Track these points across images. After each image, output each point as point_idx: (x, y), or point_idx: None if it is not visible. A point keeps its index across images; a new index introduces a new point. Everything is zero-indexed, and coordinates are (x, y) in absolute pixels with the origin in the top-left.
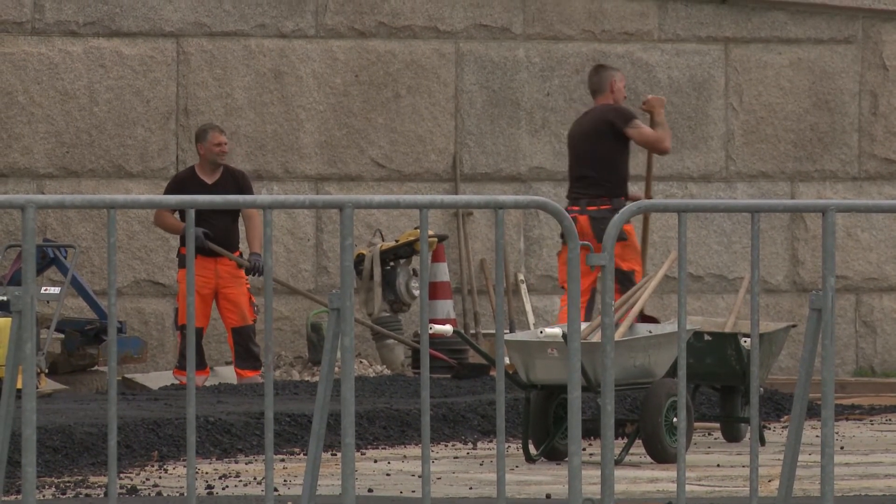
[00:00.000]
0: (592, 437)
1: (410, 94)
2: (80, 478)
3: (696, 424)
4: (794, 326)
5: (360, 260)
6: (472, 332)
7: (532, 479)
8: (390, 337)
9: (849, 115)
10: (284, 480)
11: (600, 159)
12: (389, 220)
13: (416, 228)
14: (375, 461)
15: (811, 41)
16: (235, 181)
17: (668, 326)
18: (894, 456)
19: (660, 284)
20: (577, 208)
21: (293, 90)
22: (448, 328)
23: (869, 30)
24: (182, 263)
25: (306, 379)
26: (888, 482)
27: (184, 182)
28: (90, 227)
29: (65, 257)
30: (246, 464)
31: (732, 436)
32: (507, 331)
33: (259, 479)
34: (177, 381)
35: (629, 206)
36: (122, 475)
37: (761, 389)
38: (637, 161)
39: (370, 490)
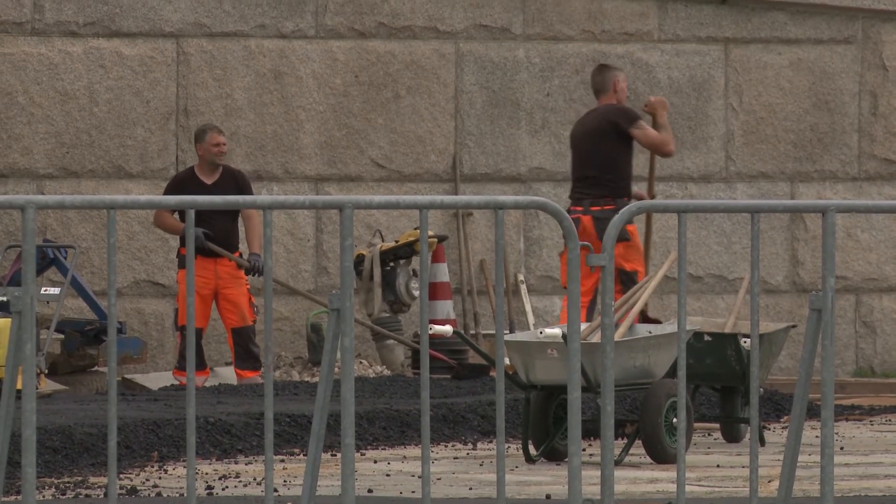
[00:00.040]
0: (592, 438)
1: (410, 95)
2: (79, 478)
3: (696, 425)
4: (793, 327)
5: (359, 260)
6: (472, 332)
7: (532, 480)
8: (390, 337)
9: (849, 115)
10: (284, 481)
11: (604, 159)
12: (389, 221)
13: (415, 229)
14: (375, 462)
15: (811, 41)
16: (235, 181)
17: (668, 327)
18: (894, 456)
19: (660, 285)
20: (580, 209)
21: (293, 91)
22: (448, 329)
23: (869, 30)
24: (182, 264)
25: (306, 379)
26: (888, 483)
27: (183, 183)
28: (90, 227)
29: (65, 258)
30: (246, 464)
31: (732, 436)
32: (507, 331)
33: (259, 479)
34: (176, 382)
35: (629, 206)
36: (121, 476)
37: (761, 390)
38: (637, 161)
39: (370, 490)
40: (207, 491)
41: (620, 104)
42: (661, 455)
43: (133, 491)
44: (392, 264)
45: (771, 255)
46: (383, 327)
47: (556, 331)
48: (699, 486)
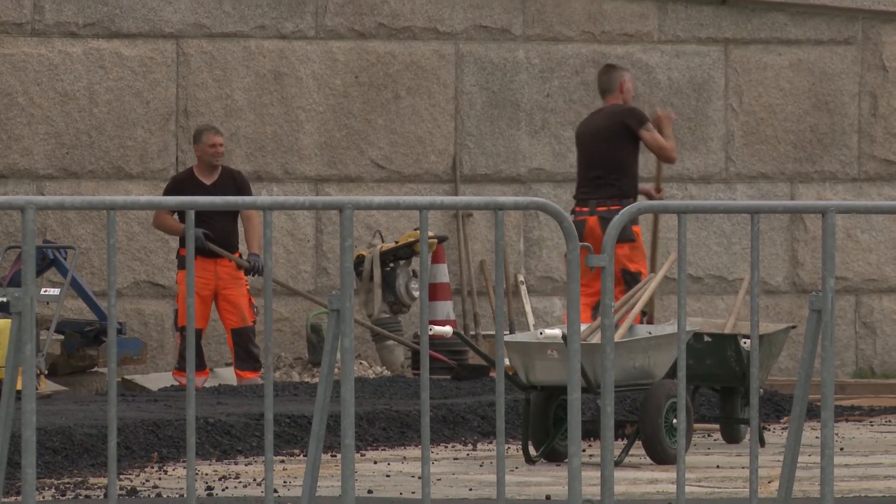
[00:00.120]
0: (592, 439)
1: (410, 96)
2: (79, 479)
3: (696, 426)
4: (793, 328)
5: (359, 261)
6: (472, 333)
7: (532, 481)
8: (390, 338)
9: (848, 116)
10: (284, 482)
11: (611, 160)
12: (389, 222)
13: (415, 230)
14: (375, 462)
15: (811, 42)
16: (234, 181)
17: (668, 328)
18: (894, 457)
19: (660, 285)
20: (586, 209)
21: (293, 91)
22: (448, 329)
23: (869, 31)
24: (181, 265)
25: (306, 380)
26: (888, 483)
27: (182, 183)
28: (90, 228)
29: (64, 258)
30: (246, 465)
31: (732, 437)
32: (507, 332)
33: (259, 480)
34: (176, 383)
35: (629, 206)
36: (121, 476)
37: (761, 391)
38: (642, 160)
39: (370, 491)
40: (207, 492)
41: (627, 104)
42: (660, 456)
43: (133, 492)
44: (392, 265)
45: (771, 256)
46: (383, 328)
47: (556, 331)
48: (699, 486)
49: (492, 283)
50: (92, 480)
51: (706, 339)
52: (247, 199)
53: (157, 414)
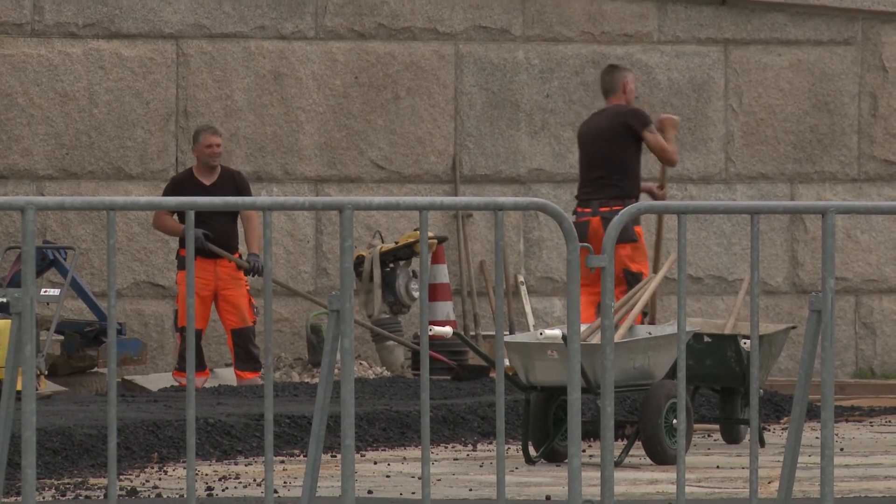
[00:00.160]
0: (592, 439)
1: (410, 96)
2: (79, 479)
3: (696, 426)
4: (793, 328)
5: (359, 262)
6: (472, 333)
7: (532, 481)
8: (390, 338)
9: (848, 116)
10: (284, 482)
11: (616, 161)
12: (389, 222)
13: (415, 230)
14: (375, 463)
15: (811, 43)
16: (234, 182)
17: (668, 328)
18: (894, 457)
19: (660, 286)
20: (588, 210)
21: (293, 92)
22: (448, 330)
23: (868, 31)
24: (181, 265)
25: (306, 380)
26: (888, 484)
27: (182, 184)
28: (90, 228)
29: (64, 259)
30: (246, 465)
31: (732, 437)
32: (507, 332)
33: (259, 480)
34: (176, 383)
35: (628, 207)
36: (121, 477)
37: (761, 391)
38: (645, 160)
39: (370, 492)
40: (207, 492)
41: (631, 105)
42: (660, 456)
43: (133, 492)
44: (392, 265)
45: (771, 257)
46: (383, 328)
47: (556, 332)
48: (699, 487)
49: (492, 283)
50: (92, 481)
51: (706, 339)
52: (247, 199)
53: (157, 414)
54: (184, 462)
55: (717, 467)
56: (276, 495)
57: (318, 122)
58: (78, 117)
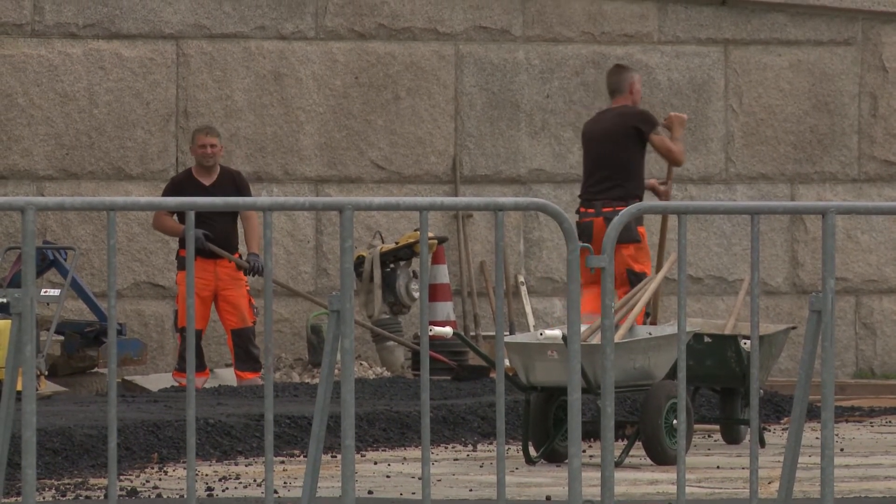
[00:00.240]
0: (592, 439)
1: (410, 96)
2: (79, 480)
3: (696, 426)
4: (793, 328)
5: (359, 262)
6: (472, 334)
7: (532, 481)
8: (390, 339)
9: (848, 116)
10: (284, 482)
11: (621, 162)
12: (389, 222)
13: (415, 230)
14: (375, 463)
15: (811, 43)
16: (233, 182)
17: (668, 328)
18: (894, 458)
19: (660, 286)
20: (591, 211)
21: (293, 92)
22: (448, 330)
23: (868, 31)
24: (181, 265)
25: (306, 381)
26: (888, 484)
27: (181, 184)
28: (90, 229)
29: (64, 259)
30: (246, 466)
31: (732, 438)
32: (507, 333)
33: (259, 480)
34: (176, 383)
35: (628, 207)
36: (121, 477)
37: (761, 391)
38: (647, 160)
39: (370, 492)
40: (207, 492)
41: (636, 106)
42: (661, 456)
43: (133, 492)
44: (392, 266)
45: (771, 257)
46: (383, 329)
47: (556, 332)
48: (699, 487)
49: (492, 283)
50: (92, 481)
51: (706, 339)
52: (247, 199)
53: (157, 415)
54: (184, 462)
55: (718, 467)
56: (276, 496)
57: (319, 123)
58: (78, 118)
